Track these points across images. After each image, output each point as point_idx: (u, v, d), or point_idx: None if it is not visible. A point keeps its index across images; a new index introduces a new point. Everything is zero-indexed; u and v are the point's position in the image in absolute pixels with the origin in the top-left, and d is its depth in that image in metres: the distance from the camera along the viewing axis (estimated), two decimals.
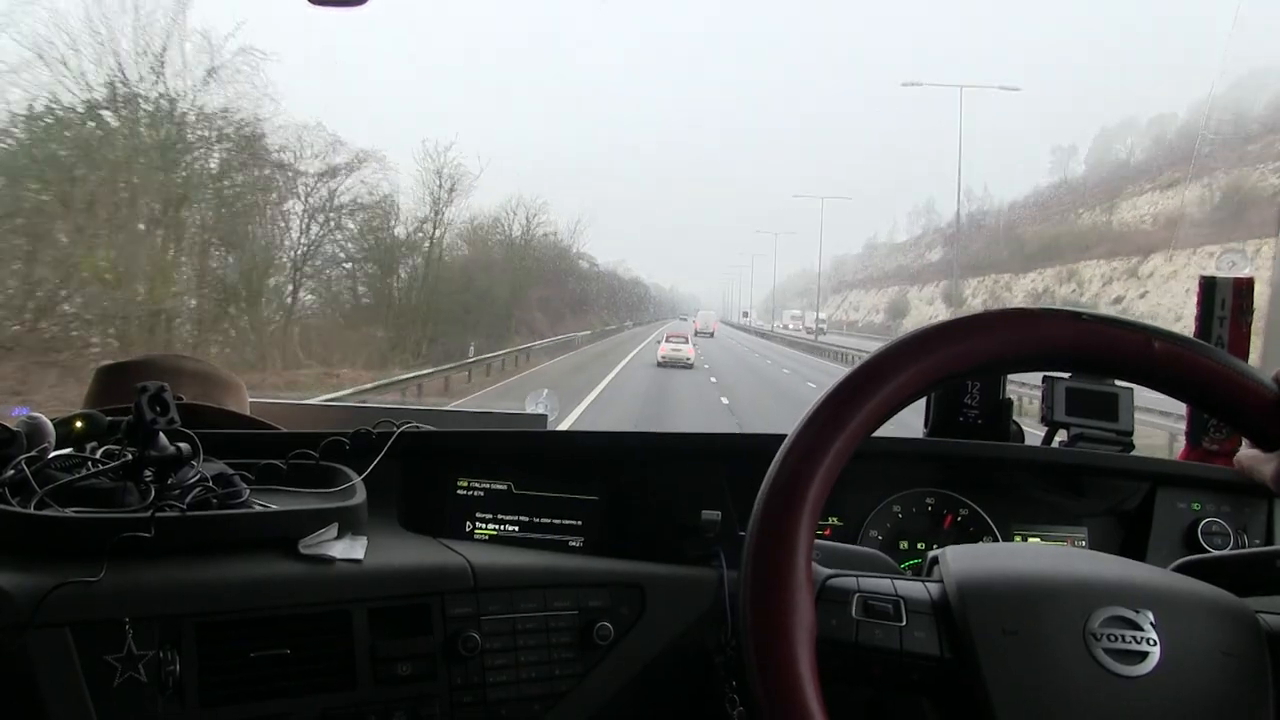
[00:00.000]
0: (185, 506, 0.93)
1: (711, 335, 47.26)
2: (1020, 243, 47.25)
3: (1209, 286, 1.52)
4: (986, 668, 0.69)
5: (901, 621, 0.74)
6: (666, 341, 27.04)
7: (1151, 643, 0.69)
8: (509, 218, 32.11)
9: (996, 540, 1.30)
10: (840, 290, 75.81)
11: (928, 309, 52.25)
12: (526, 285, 31.60)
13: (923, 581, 0.78)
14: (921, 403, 1.53)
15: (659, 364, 25.24)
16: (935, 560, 0.81)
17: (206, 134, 17.80)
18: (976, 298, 47.21)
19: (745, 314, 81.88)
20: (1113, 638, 0.69)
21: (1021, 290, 43.83)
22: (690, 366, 25.01)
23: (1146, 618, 0.70)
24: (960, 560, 0.78)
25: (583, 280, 43.22)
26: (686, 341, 27.23)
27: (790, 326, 63.72)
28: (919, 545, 1.31)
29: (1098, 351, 0.73)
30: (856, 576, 0.77)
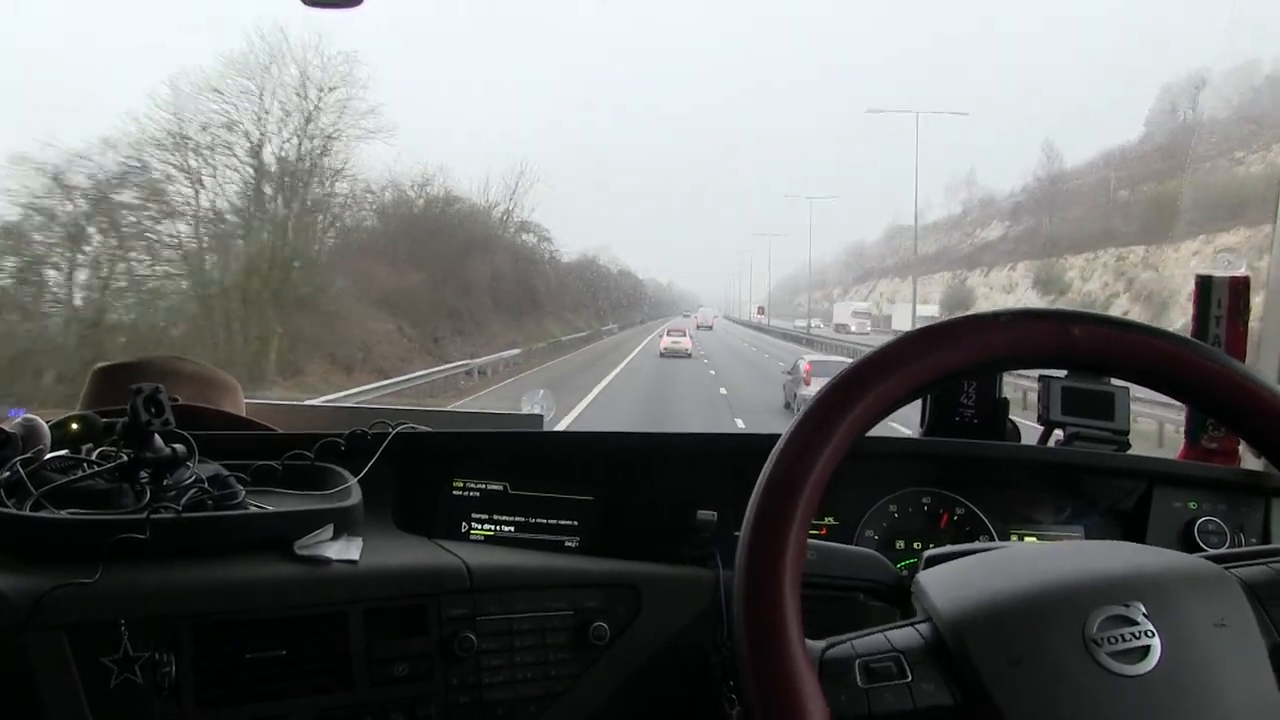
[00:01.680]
0: (180, 508, 0.94)
1: (710, 329, 51.53)
2: (1156, 204, 32.75)
3: (1205, 285, 1.53)
4: (1002, 704, 0.68)
5: (907, 678, 0.72)
6: (668, 335, 31.08)
7: (1149, 635, 0.69)
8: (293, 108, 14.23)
9: (993, 539, 1.30)
10: (866, 279, 62.60)
11: (1004, 298, 39.07)
12: (340, 258, 14.72)
13: (912, 625, 0.76)
14: (918, 401, 1.54)
15: (662, 355, 27.76)
16: (911, 590, 0.80)
17: None
18: (1090, 281, 35.12)
19: (761, 310, 66.98)
20: (1113, 639, 0.69)
21: (1180, 266, 29.57)
22: (689, 356, 27.89)
23: (1139, 610, 0.70)
24: (940, 591, 0.76)
25: (526, 264, 28.15)
26: (685, 335, 31.96)
27: (854, 328, 45.98)
28: (915, 545, 1.31)
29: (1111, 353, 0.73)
30: (850, 640, 0.75)
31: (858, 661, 0.74)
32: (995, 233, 45.86)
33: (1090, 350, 0.74)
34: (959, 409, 1.50)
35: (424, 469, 1.20)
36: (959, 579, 0.79)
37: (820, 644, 0.75)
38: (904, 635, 0.75)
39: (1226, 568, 0.74)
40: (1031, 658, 0.69)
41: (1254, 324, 1.53)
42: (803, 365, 14.90)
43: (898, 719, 0.72)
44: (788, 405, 15.43)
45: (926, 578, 0.80)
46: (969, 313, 0.76)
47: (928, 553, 0.87)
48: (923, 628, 0.75)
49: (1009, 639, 0.70)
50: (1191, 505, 1.34)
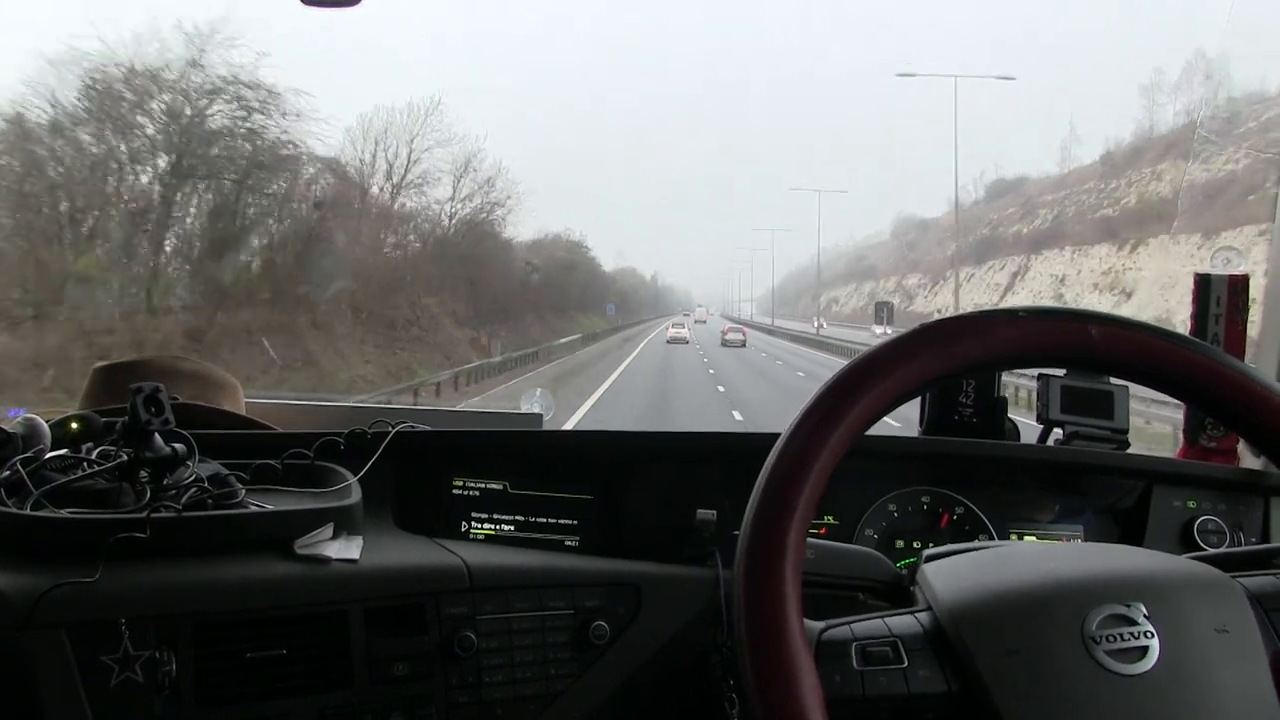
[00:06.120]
0: (181, 507, 0.94)
1: (704, 323, 62.33)
2: None
3: (1204, 284, 1.53)
4: (996, 694, 0.69)
5: (903, 663, 0.73)
6: (672, 327, 41.37)
7: (1149, 635, 0.69)
8: None
9: (993, 538, 1.31)
10: (966, 266, 44.33)
11: None
12: None
13: (912, 614, 0.77)
14: (917, 401, 1.54)
15: (668, 342, 36.46)
16: (915, 579, 0.81)
17: None
18: None
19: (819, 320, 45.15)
20: (1111, 638, 0.69)
21: None
22: (687, 343, 37.46)
23: (1139, 610, 0.70)
24: (944, 582, 0.77)
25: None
26: (684, 328, 42.61)
27: None
28: (914, 544, 1.31)
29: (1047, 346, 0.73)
30: (849, 624, 0.76)
31: (855, 644, 0.74)
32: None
33: (1091, 348, 0.74)
34: (958, 408, 1.50)
35: (424, 468, 1.20)
36: (962, 571, 0.80)
37: (819, 625, 0.76)
38: (903, 622, 0.76)
39: (1233, 576, 0.74)
40: (1028, 650, 0.70)
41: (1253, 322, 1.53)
42: (724, 325, 37.53)
43: (891, 703, 0.72)
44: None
45: (930, 569, 0.80)
46: (972, 310, 0.75)
47: (927, 552, 0.87)
48: (923, 616, 0.76)
49: (1006, 630, 0.71)
50: (1191, 504, 1.34)
